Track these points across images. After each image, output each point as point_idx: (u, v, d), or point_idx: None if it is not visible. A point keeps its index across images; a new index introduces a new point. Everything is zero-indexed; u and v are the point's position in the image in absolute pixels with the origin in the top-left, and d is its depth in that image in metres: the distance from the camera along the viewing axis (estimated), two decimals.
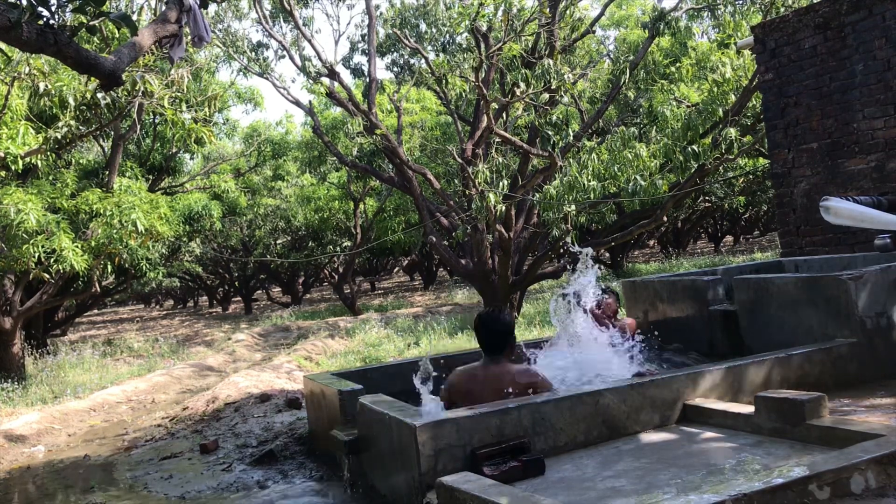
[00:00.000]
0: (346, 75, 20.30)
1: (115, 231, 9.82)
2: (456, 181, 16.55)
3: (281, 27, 15.83)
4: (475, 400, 3.92)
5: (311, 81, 14.35)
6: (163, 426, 7.39)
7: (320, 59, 14.28)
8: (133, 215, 9.83)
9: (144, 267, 11.84)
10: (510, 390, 3.96)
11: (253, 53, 15.75)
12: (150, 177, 15.57)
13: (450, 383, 4.26)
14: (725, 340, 5.36)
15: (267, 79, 15.32)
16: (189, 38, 4.56)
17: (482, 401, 3.88)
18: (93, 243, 9.90)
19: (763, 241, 33.28)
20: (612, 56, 18.38)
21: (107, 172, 12.40)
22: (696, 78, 14.79)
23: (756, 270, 6.26)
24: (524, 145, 12.11)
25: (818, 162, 6.80)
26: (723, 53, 11.75)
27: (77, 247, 9.56)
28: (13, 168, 8.24)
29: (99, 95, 7.63)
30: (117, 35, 6.86)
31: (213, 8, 13.80)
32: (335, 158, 16.67)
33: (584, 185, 10.10)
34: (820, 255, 6.41)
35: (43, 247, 9.21)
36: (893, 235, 5.31)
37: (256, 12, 14.39)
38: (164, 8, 4.30)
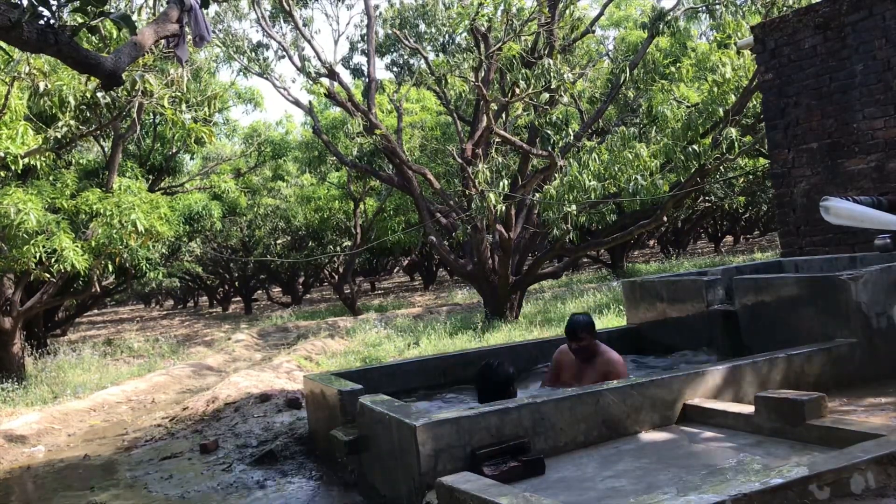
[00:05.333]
0: (345, 75, 20.28)
1: (115, 231, 9.82)
2: (456, 181, 16.54)
3: (281, 27, 15.84)
4: None
5: (310, 82, 14.34)
6: (163, 426, 7.38)
7: (320, 59, 14.29)
8: (133, 215, 9.83)
9: (144, 267, 11.82)
10: None
11: (253, 53, 15.74)
12: (150, 177, 15.56)
13: None
14: (725, 340, 5.36)
15: (267, 79, 15.32)
16: (190, 37, 4.56)
17: None
18: (93, 243, 9.90)
19: (763, 241, 33.29)
20: (611, 56, 18.40)
21: (107, 172, 12.39)
22: (696, 78, 14.79)
23: (756, 270, 6.26)
24: (524, 145, 12.12)
25: (818, 162, 6.80)
26: (723, 54, 11.73)
27: (77, 247, 9.56)
28: (13, 168, 8.24)
29: (99, 95, 7.63)
30: (116, 36, 6.84)
31: (213, 8, 13.80)
32: (335, 158, 16.66)
33: (584, 185, 10.10)
34: (820, 255, 6.41)
35: (43, 247, 9.21)
36: (893, 235, 5.30)
37: (256, 13, 14.39)
38: (163, 8, 4.30)
